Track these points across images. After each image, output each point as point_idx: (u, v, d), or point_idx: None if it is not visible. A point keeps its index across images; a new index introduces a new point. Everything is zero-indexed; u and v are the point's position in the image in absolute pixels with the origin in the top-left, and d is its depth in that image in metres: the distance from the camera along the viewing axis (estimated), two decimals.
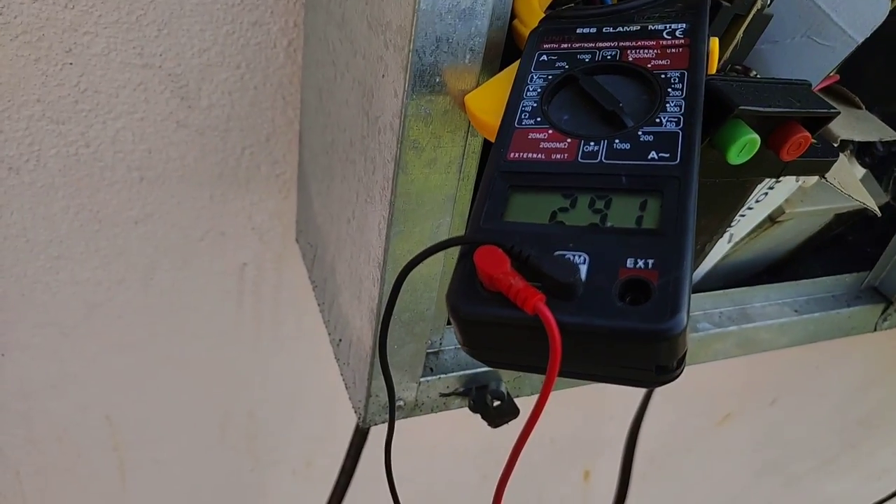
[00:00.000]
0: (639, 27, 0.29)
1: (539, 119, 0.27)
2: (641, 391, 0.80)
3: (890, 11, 0.38)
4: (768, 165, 0.34)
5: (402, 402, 0.41)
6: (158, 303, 0.64)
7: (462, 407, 0.44)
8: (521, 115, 0.27)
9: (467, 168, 0.34)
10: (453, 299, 0.22)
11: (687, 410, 1.15)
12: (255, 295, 0.67)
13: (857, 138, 0.44)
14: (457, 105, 0.31)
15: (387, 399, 0.40)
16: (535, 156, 0.25)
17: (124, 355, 0.67)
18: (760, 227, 0.51)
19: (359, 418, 0.42)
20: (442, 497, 1.03)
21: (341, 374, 0.45)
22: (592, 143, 0.25)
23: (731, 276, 0.57)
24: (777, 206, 0.49)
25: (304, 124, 0.52)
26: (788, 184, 0.47)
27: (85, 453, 0.73)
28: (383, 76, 0.32)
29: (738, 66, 0.39)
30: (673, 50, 0.27)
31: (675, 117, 0.25)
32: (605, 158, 0.25)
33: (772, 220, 0.51)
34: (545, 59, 0.29)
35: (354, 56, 0.36)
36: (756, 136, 0.30)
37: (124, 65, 0.50)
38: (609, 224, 0.23)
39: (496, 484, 0.27)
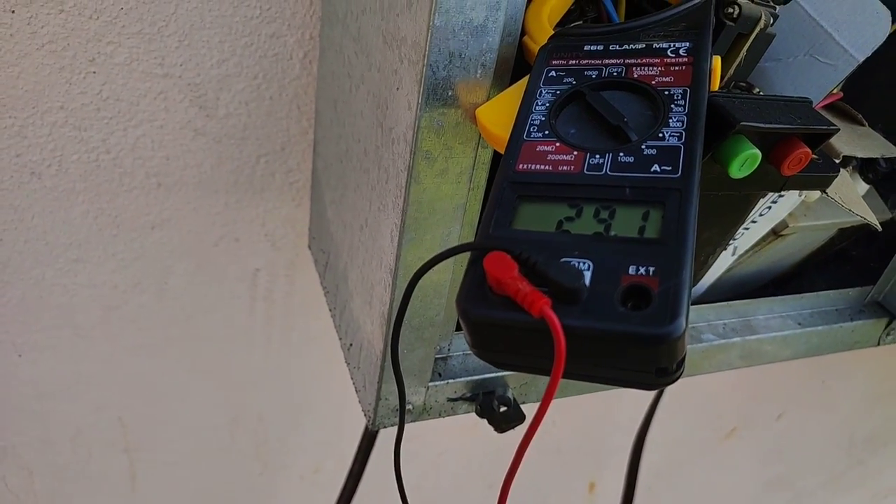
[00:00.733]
0: (644, 45, 0.30)
1: (547, 132, 0.28)
2: (647, 401, 0.80)
3: (891, 31, 0.40)
4: (770, 180, 0.35)
5: (410, 406, 0.42)
6: (172, 307, 0.66)
7: (469, 412, 0.45)
8: (529, 129, 0.28)
9: (477, 178, 0.36)
10: (463, 303, 0.23)
11: (693, 424, 1.15)
12: (267, 300, 0.69)
13: (859, 155, 0.45)
14: (468, 118, 0.33)
15: (396, 403, 0.41)
16: (542, 167, 0.27)
17: (138, 358, 0.68)
18: (764, 241, 0.52)
19: (368, 421, 0.43)
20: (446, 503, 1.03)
21: (351, 378, 0.46)
22: (598, 156, 0.26)
23: (736, 289, 0.58)
24: (780, 220, 0.50)
25: (319, 134, 0.53)
26: (791, 198, 0.48)
27: (97, 454, 0.74)
28: (398, 89, 0.33)
29: (741, 84, 0.40)
30: (676, 67, 0.29)
31: (677, 132, 0.26)
32: (610, 171, 0.26)
33: (775, 233, 0.51)
34: (554, 74, 0.30)
35: (369, 69, 0.37)
36: (757, 151, 0.31)
37: (145, 74, 0.52)
38: (613, 233, 0.24)
39: (500, 488, 0.28)
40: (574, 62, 0.30)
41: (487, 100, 0.32)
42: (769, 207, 0.48)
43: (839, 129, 0.33)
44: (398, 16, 0.32)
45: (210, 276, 0.65)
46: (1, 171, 0.53)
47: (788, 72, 0.42)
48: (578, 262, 0.23)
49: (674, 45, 0.29)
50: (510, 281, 0.22)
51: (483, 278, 0.23)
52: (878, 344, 0.60)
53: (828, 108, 0.48)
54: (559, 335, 0.21)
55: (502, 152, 0.29)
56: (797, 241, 0.54)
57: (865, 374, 1.16)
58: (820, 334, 0.55)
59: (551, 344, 0.21)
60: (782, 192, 0.47)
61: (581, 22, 0.36)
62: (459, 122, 0.32)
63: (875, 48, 0.39)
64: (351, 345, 0.46)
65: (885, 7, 0.39)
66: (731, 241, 0.50)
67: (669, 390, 1.02)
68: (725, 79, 0.38)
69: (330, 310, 0.51)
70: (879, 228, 0.46)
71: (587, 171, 0.26)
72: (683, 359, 0.22)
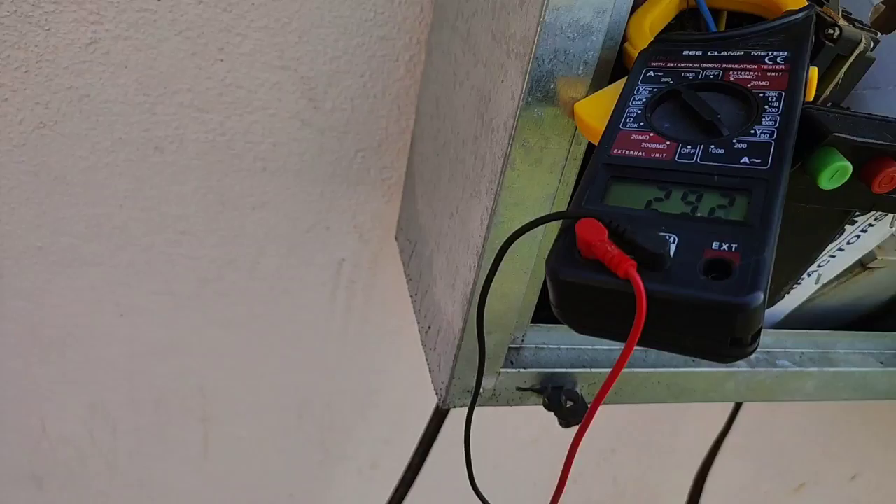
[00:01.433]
0: (742, 52, 0.31)
1: (642, 123, 0.30)
2: (709, 442, 0.79)
3: None
4: (859, 197, 0.36)
5: (481, 389, 0.44)
6: (261, 286, 0.70)
7: (536, 404, 0.46)
8: (625, 119, 0.30)
9: (568, 173, 0.38)
10: (553, 264, 0.25)
11: (759, 473, 1.11)
12: (348, 290, 0.72)
13: None
14: (566, 112, 0.35)
15: (467, 383, 0.43)
16: (636, 153, 0.28)
17: (224, 331, 0.72)
18: (850, 273, 0.52)
19: (440, 400, 0.45)
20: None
21: (426, 360, 0.48)
22: (689, 147, 0.28)
23: (817, 322, 0.57)
24: (869, 251, 0.49)
25: (417, 131, 0.56)
26: (882, 229, 0.48)
27: (176, 419, 0.79)
28: (502, 81, 0.36)
29: (837, 107, 0.41)
30: (773, 74, 0.30)
31: (769, 130, 0.27)
32: (700, 160, 0.27)
33: (863, 265, 0.51)
34: (652, 74, 0.32)
35: (476, 66, 0.40)
36: (847, 164, 0.31)
37: (265, 65, 0.56)
38: (699, 214, 0.25)
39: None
40: (672, 64, 0.32)
41: (586, 96, 0.34)
42: (858, 236, 0.48)
43: None
44: (509, 14, 0.35)
45: (299, 261, 0.69)
46: (130, 143, 0.58)
47: (885, 100, 0.42)
48: (664, 235, 0.24)
49: (772, 54, 0.31)
50: (599, 244, 0.24)
51: (573, 243, 0.25)
52: None
53: None
54: (641, 295, 0.23)
55: (596, 144, 0.30)
56: (886, 277, 0.53)
57: None
58: None
59: (633, 307, 0.23)
60: (872, 222, 0.47)
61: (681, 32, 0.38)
62: (558, 115, 0.35)
63: None
64: (429, 327, 0.48)
65: None
66: (815, 268, 0.49)
67: (737, 434, 1.00)
68: (822, 98, 0.39)
69: (411, 296, 0.54)
70: None
71: (678, 159, 0.28)
72: (759, 333, 0.23)
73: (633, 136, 0.29)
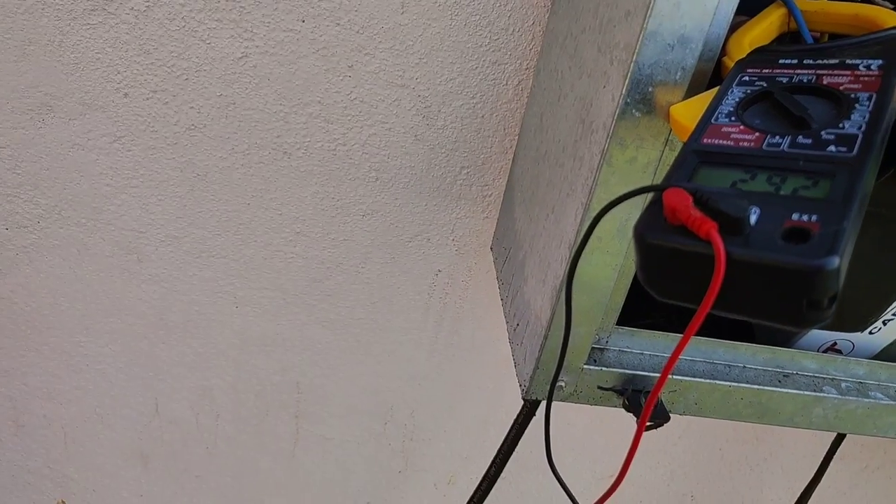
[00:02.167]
0: (837, 61, 0.33)
1: (733, 119, 0.32)
2: (804, 481, 0.76)
3: None
4: None
5: (562, 384, 0.46)
6: (363, 290, 0.75)
7: (616, 406, 0.47)
8: (717, 115, 0.33)
9: (660, 176, 0.40)
10: (641, 228, 0.28)
11: None
12: (442, 302, 0.76)
13: None
14: (662, 115, 0.38)
15: (551, 374, 0.45)
16: (724, 142, 0.31)
17: (326, 330, 0.78)
18: None
19: (523, 391, 0.47)
20: None
21: (512, 356, 0.51)
22: (777, 137, 0.30)
23: None
24: None
25: (520, 146, 0.60)
26: None
27: (273, 413, 0.85)
28: (604, 87, 0.39)
29: None
30: (866, 78, 0.32)
31: (857, 124, 0.29)
32: (787, 148, 0.29)
33: None
34: (746, 79, 0.34)
35: (580, 78, 0.44)
36: None
37: (388, 83, 0.62)
38: (782, 193, 0.27)
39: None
40: (768, 71, 0.34)
41: (681, 101, 0.37)
42: None
43: None
44: (615, 27, 0.39)
45: (399, 269, 0.74)
46: (263, 147, 0.66)
47: None
48: (747, 205, 0.27)
49: (866, 62, 0.33)
50: (684, 208, 0.26)
51: (660, 212, 0.28)
52: None
53: None
54: (720, 252, 0.25)
55: None
56: None
57: None
58: None
59: (713, 270, 0.25)
60: None
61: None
62: (653, 118, 0.37)
63: None
64: (518, 324, 0.51)
65: None
66: None
67: (825, 493, 0.94)
68: None
69: (502, 299, 0.57)
70: None
71: (766, 147, 0.30)
72: (835, 298, 0.25)
73: (724, 129, 0.31)
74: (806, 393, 0.48)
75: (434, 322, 0.78)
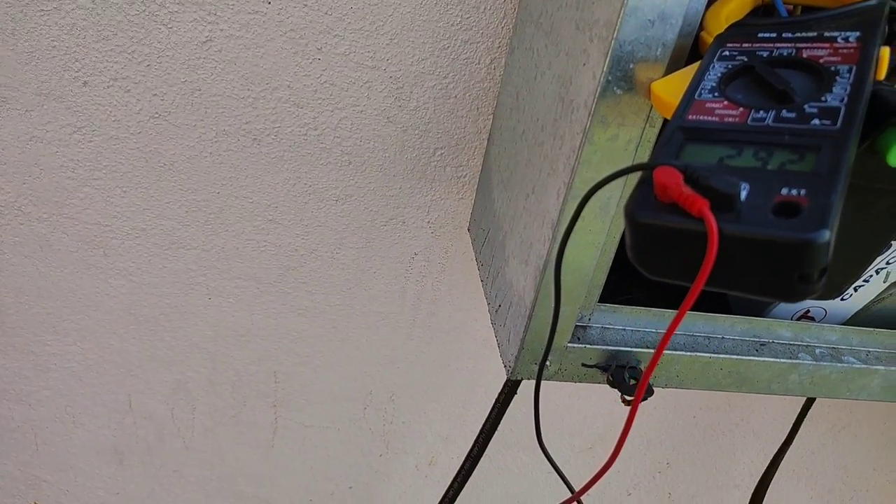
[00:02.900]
0: (815, 34, 0.34)
1: (717, 94, 0.32)
2: (766, 461, 0.78)
3: None
4: None
5: (548, 363, 0.47)
6: (338, 276, 0.74)
7: (600, 382, 0.48)
8: (700, 91, 0.33)
9: (641, 153, 0.40)
10: (632, 207, 0.28)
11: (818, 498, 1.07)
12: (419, 284, 0.76)
13: None
14: (643, 92, 0.38)
15: (536, 356, 0.45)
16: (709, 118, 0.31)
17: (301, 318, 0.77)
18: None
19: (508, 372, 0.47)
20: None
21: (495, 337, 0.51)
22: (762, 112, 0.30)
23: (885, 323, 0.57)
24: None
25: (495, 127, 0.60)
26: None
27: (250, 404, 0.84)
28: (584, 65, 0.39)
29: None
30: (845, 50, 0.32)
31: (839, 97, 0.30)
32: (772, 122, 0.30)
33: None
34: (727, 53, 0.34)
35: (558, 55, 0.44)
36: None
37: (358, 65, 0.61)
38: (769, 167, 0.28)
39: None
40: (747, 45, 0.35)
41: (662, 77, 0.37)
42: None
43: None
44: (593, 3, 0.38)
45: (374, 253, 0.73)
46: (232, 134, 0.64)
47: None
48: (736, 181, 0.27)
49: (844, 34, 0.33)
50: (675, 186, 0.26)
51: (650, 190, 0.28)
52: None
53: None
54: (713, 229, 0.25)
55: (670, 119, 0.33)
56: None
57: None
58: None
59: (705, 247, 0.25)
60: None
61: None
62: (634, 95, 0.37)
63: None
64: (500, 306, 0.51)
65: None
66: (883, 265, 0.50)
67: (796, 454, 0.97)
68: None
69: (482, 280, 0.57)
70: None
71: (750, 122, 0.30)
72: (825, 271, 0.25)
73: (708, 105, 0.32)
74: (782, 360, 0.49)
75: (411, 305, 0.77)
